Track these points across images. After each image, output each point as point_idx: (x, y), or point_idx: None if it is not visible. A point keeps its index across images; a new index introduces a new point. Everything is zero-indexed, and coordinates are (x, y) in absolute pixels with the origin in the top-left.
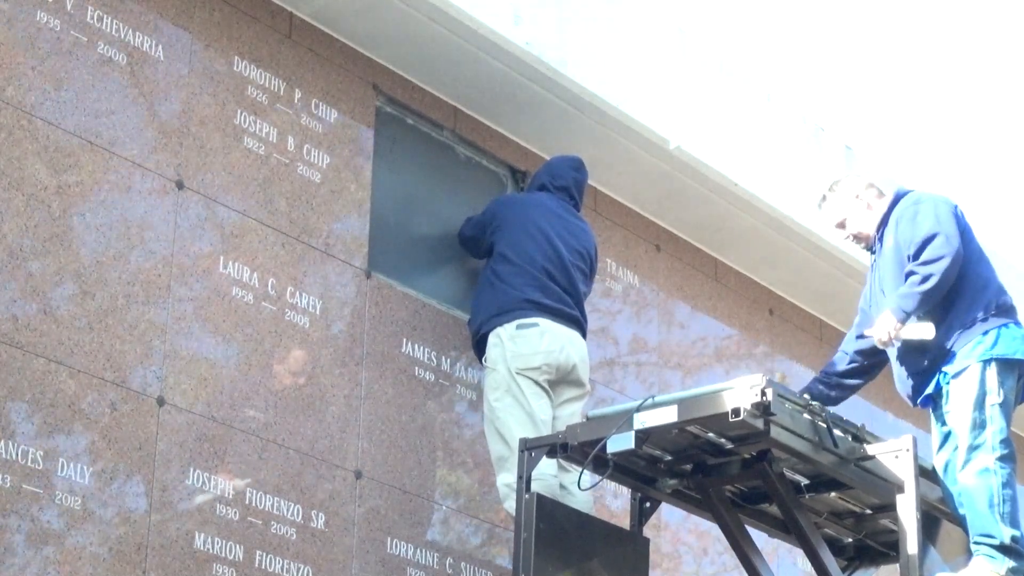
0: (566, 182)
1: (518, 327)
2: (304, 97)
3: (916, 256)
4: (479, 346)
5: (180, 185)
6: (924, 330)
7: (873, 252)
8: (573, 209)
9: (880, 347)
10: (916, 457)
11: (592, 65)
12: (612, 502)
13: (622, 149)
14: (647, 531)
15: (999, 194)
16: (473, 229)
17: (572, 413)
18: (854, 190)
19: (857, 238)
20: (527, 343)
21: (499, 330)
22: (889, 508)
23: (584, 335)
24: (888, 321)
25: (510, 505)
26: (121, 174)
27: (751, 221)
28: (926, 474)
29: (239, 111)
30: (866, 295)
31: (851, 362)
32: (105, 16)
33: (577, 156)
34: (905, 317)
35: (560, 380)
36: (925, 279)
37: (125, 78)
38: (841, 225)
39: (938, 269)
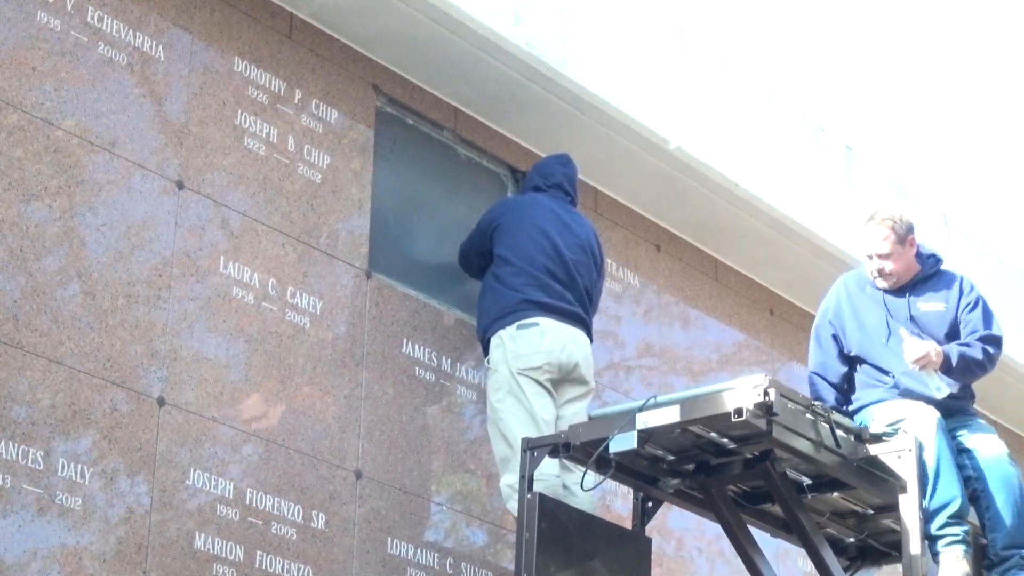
0: (558, 179)
1: (518, 327)
2: (304, 97)
3: (987, 340)
4: (487, 350)
5: (180, 185)
6: (946, 384)
7: (891, 292)
8: (569, 204)
9: (911, 359)
10: (919, 457)
11: (592, 65)
12: (615, 503)
13: (622, 149)
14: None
15: (999, 194)
16: (472, 240)
17: (576, 412)
18: (910, 232)
19: (889, 275)
20: (527, 343)
21: (501, 332)
22: (891, 508)
23: (589, 332)
24: (935, 354)
25: (513, 505)
26: (121, 174)
27: (751, 221)
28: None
29: (239, 111)
30: (872, 326)
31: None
32: (105, 16)
33: (564, 153)
34: (947, 366)
35: (563, 379)
36: (983, 364)
37: (125, 78)
38: (885, 257)
39: (990, 370)
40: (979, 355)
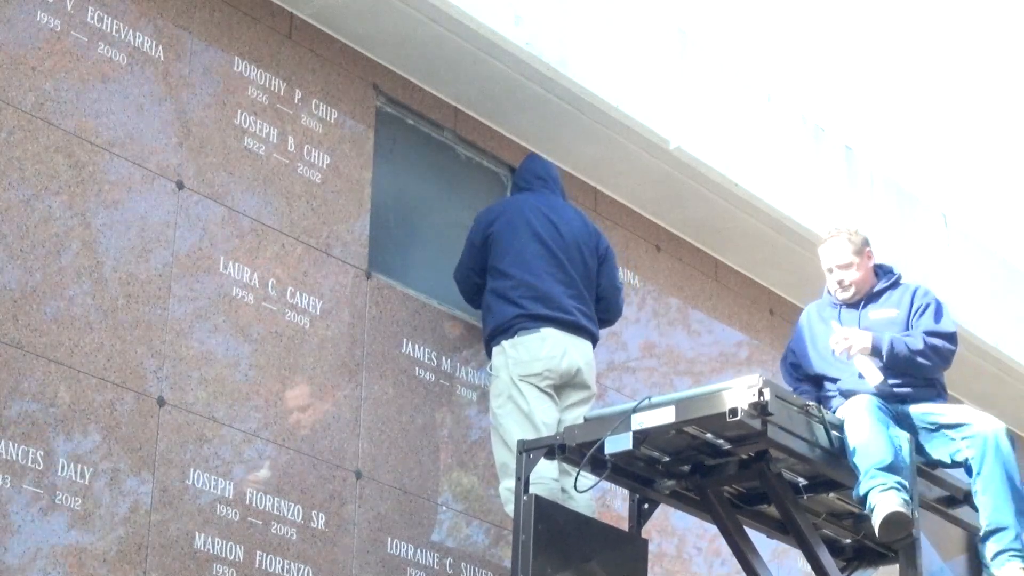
0: (537, 171)
1: (519, 335)
2: (304, 97)
3: (932, 333)
4: (491, 355)
5: (180, 185)
6: (875, 375)
7: (847, 306)
8: (553, 195)
9: (833, 346)
10: (913, 456)
11: (592, 65)
12: (616, 503)
13: (622, 149)
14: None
15: (999, 194)
16: (466, 259)
17: (578, 416)
18: (866, 245)
19: (849, 285)
20: (528, 349)
21: (504, 342)
22: None
23: (590, 335)
24: (863, 340)
25: (511, 509)
26: (121, 174)
27: (751, 221)
28: (923, 473)
29: (239, 111)
30: (824, 344)
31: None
32: (105, 16)
33: (531, 153)
34: (878, 354)
35: (565, 384)
36: (926, 354)
37: (125, 78)
38: (844, 267)
39: (939, 363)
40: (918, 344)
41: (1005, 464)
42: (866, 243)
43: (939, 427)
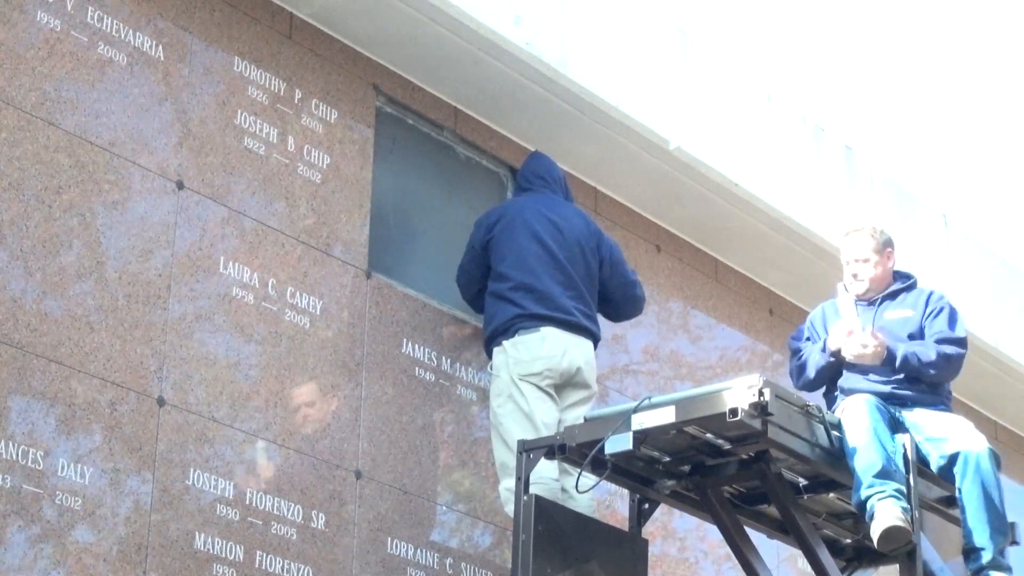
0: (537, 171)
1: (520, 334)
2: (304, 97)
3: (944, 341)
4: (491, 356)
5: (180, 185)
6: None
7: (864, 304)
8: (554, 195)
9: (853, 344)
10: (913, 457)
11: (592, 65)
12: (616, 503)
13: (622, 149)
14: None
15: (999, 194)
16: (468, 263)
17: (578, 416)
18: (888, 245)
19: (863, 280)
20: (528, 349)
21: (504, 342)
22: None
23: (590, 335)
24: (877, 348)
25: (511, 509)
26: (121, 174)
27: (751, 221)
28: (923, 473)
29: (239, 111)
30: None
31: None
32: (105, 16)
33: (534, 151)
34: (891, 363)
35: (565, 384)
36: (937, 364)
37: (125, 78)
38: (863, 261)
39: (949, 371)
40: (931, 355)
41: (984, 483)
42: (889, 244)
43: (923, 437)
